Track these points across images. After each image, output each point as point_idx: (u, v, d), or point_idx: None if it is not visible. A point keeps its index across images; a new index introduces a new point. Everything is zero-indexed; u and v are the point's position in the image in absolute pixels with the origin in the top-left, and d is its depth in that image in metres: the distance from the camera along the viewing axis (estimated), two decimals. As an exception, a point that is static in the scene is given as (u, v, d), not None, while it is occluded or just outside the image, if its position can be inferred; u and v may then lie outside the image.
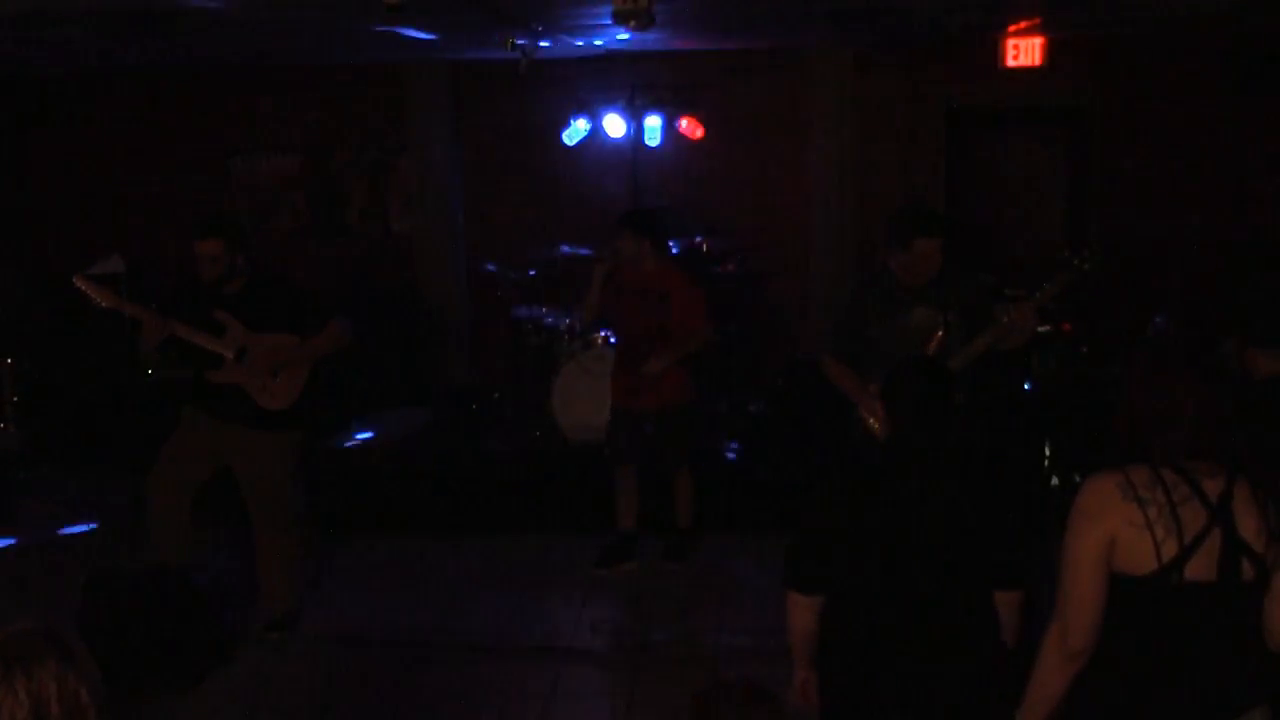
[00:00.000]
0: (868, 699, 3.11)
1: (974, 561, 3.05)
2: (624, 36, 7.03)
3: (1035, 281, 4.57)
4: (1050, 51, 8.10)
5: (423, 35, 6.86)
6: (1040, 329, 7.23)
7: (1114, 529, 2.53)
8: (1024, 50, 8.15)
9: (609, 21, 5.30)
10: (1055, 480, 6.59)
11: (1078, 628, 2.60)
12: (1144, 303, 7.69)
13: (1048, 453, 6.74)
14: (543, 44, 7.14)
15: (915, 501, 3.06)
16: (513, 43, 6.83)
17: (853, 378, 4.70)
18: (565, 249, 8.26)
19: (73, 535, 7.05)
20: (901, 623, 3.04)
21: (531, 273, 8.44)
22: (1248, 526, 2.50)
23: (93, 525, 7.22)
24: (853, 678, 3.15)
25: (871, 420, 4.57)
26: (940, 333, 4.53)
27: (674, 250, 8.24)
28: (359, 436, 7.36)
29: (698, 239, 8.39)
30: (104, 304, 5.11)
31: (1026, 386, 7.16)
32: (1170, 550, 2.49)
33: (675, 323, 5.90)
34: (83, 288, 5.18)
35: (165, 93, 9.37)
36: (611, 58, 8.59)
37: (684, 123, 8.64)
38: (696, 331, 5.94)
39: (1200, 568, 2.50)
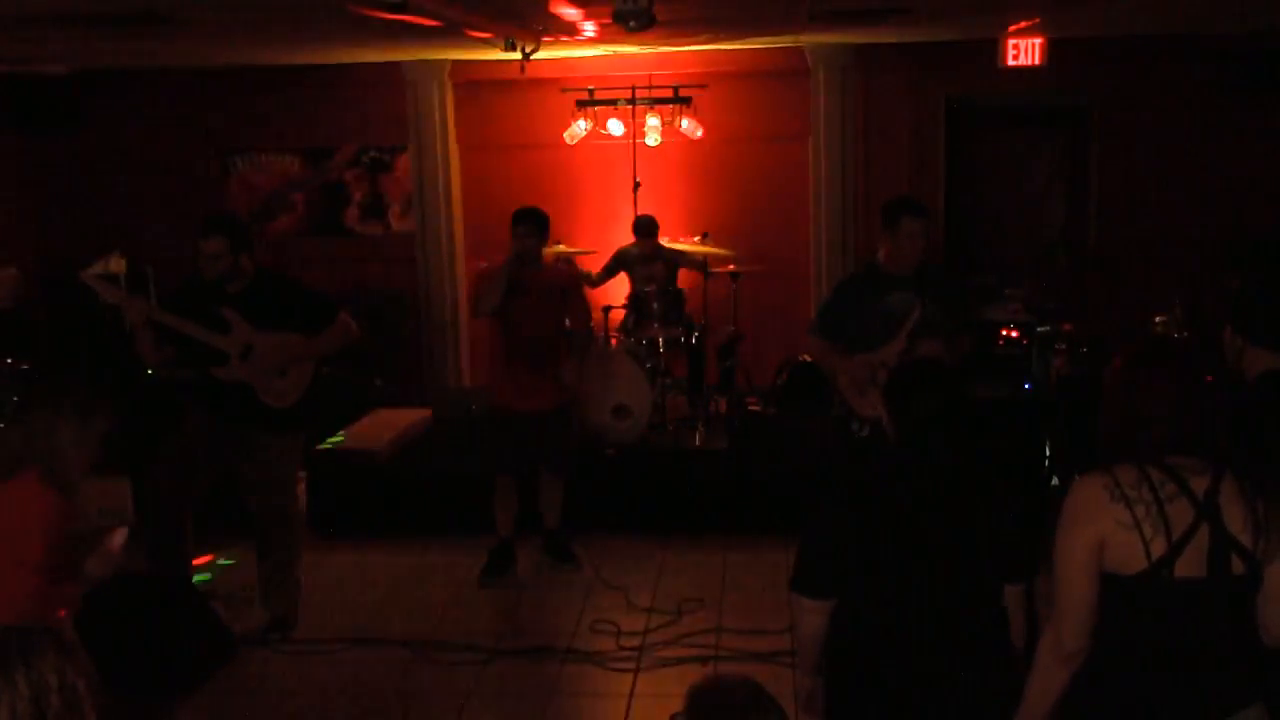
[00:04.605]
0: (880, 702, 3.05)
1: (986, 558, 3.03)
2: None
3: (1034, 280, 4.68)
4: (1050, 51, 8.10)
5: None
6: (1040, 329, 7.28)
7: (1103, 530, 2.54)
8: (1024, 50, 8.14)
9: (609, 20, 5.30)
10: (1055, 480, 6.59)
11: (1071, 630, 2.61)
12: (1144, 303, 7.68)
13: (1048, 453, 6.74)
14: (542, 42, 7.13)
15: (926, 500, 3.02)
16: (512, 42, 6.82)
17: (834, 352, 5.16)
18: (564, 249, 8.25)
19: (72, 535, 7.04)
20: (916, 623, 3.00)
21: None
22: (1235, 521, 2.51)
23: (93, 525, 7.22)
24: (864, 680, 3.09)
25: (858, 397, 4.91)
26: (915, 314, 4.94)
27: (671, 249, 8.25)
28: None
29: (698, 239, 8.39)
30: (110, 301, 5.15)
31: (1027, 386, 7.16)
32: (1159, 548, 2.50)
33: (573, 321, 6.02)
34: (91, 285, 5.20)
35: (165, 93, 9.37)
36: (612, 57, 8.58)
37: (684, 123, 8.63)
38: (591, 330, 6.18)
39: (1190, 564, 2.50)
